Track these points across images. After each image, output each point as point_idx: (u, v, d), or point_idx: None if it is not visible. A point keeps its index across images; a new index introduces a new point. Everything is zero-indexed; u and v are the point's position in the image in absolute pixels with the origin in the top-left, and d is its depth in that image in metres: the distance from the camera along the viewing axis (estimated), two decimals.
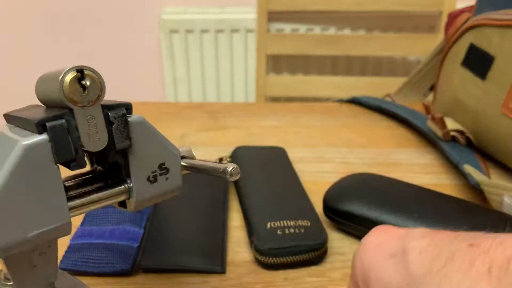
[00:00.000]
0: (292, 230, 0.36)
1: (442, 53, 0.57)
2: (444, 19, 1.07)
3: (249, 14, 1.20)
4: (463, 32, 0.51)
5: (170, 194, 0.25)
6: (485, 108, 0.47)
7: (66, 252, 0.35)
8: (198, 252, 0.35)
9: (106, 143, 0.21)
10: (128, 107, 0.22)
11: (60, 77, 0.19)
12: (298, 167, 0.49)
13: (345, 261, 0.36)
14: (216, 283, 0.34)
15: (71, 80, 0.19)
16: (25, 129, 0.21)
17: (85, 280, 0.33)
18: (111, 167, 0.24)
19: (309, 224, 0.36)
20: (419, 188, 0.39)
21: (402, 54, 1.19)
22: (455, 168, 0.50)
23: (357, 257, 0.22)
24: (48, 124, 0.19)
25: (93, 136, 0.20)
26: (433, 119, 0.52)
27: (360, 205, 0.37)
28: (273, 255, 0.34)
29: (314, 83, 1.19)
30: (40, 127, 0.19)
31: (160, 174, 0.24)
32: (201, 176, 0.44)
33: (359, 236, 0.38)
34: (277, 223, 0.36)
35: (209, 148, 0.55)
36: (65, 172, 0.21)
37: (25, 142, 0.19)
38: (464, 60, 0.50)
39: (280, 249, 0.34)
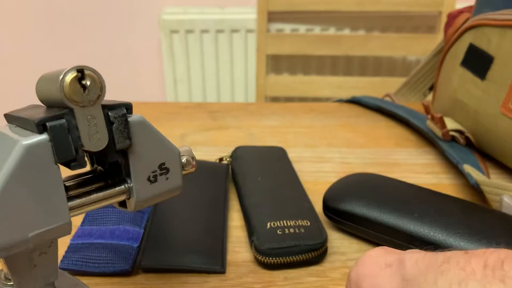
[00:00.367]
0: (292, 230, 0.36)
1: (441, 53, 0.57)
2: (444, 19, 1.08)
3: (249, 14, 1.21)
4: (462, 32, 0.51)
5: (170, 194, 0.25)
6: (484, 108, 0.47)
7: (66, 252, 0.35)
8: (198, 252, 0.35)
9: (106, 143, 0.21)
10: (128, 107, 0.22)
11: (61, 77, 0.19)
12: (298, 167, 0.49)
13: (345, 261, 0.36)
14: (216, 283, 0.34)
15: (71, 80, 0.19)
16: (25, 129, 0.21)
17: (85, 280, 0.33)
18: (111, 167, 0.24)
19: (309, 224, 0.36)
20: (418, 188, 0.39)
21: (401, 54, 1.19)
22: (455, 168, 0.50)
23: (353, 270, 0.22)
24: (48, 124, 0.19)
25: (94, 136, 0.21)
26: (433, 119, 0.52)
27: (359, 205, 0.37)
28: (273, 255, 0.34)
29: (314, 83, 1.19)
30: (41, 127, 0.19)
31: (160, 174, 0.24)
32: (201, 176, 0.44)
33: (358, 236, 0.38)
34: (277, 223, 0.36)
35: (209, 148, 0.55)
36: (65, 172, 0.21)
37: (25, 142, 0.19)
38: (463, 60, 0.51)
39: (280, 249, 0.34)
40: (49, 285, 0.24)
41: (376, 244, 0.37)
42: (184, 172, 0.25)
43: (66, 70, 0.19)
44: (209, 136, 0.58)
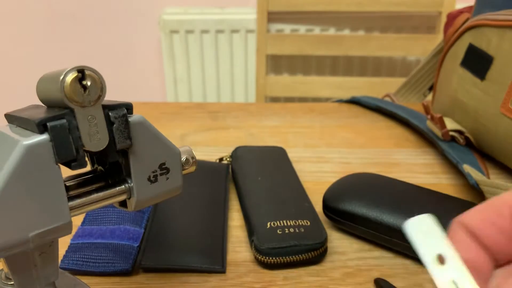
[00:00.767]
0: (292, 230, 0.36)
1: (441, 53, 0.57)
2: (443, 19, 1.08)
3: (249, 15, 1.21)
4: (462, 32, 0.51)
5: (170, 193, 0.25)
6: (484, 108, 0.47)
7: (67, 251, 0.35)
8: (198, 251, 0.35)
9: (106, 143, 0.21)
10: (128, 107, 0.22)
11: (61, 77, 0.19)
12: (298, 167, 0.49)
13: (344, 261, 0.36)
14: (216, 282, 0.34)
15: (72, 80, 0.19)
16: (26, 129, 0.21)
17: (85, 279, 0.33)
18: (111, 167, 0.24)
19: (308, 223, 0.36)
20: (418, 188, 0.39)
21: (401, 55, 1.19)
22: (454, 168, 0.50)
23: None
24: (49, 124, 0.19)
25: (94, 136, 0.21)
26: (433, 119, 0.52)
27: (359, 204, 0.37)
28: (273, 254, 0.34)
29: (314, 83, 1.19)
30: (41, 127, 0.19)
31: (161, 174, 0.24)
32: (201, 176, 0.44)
33: (358, 236, 0.38)
34: (277, 223, 0.36)
35: (209, 148, 0.55)
36: (65, 172, 0.21)
37: (26, 142, 0.19)
38: (463, 60, 0.51)
39: (280, 249, 0.34)
40: (50, 284, 0.24)
41: (376, 244, 0.37)
42: (184, 172, 0.25)
43: (66, 71, 0.19)
44: (209, 136, 0.58)
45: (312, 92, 1.19)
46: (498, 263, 0.20)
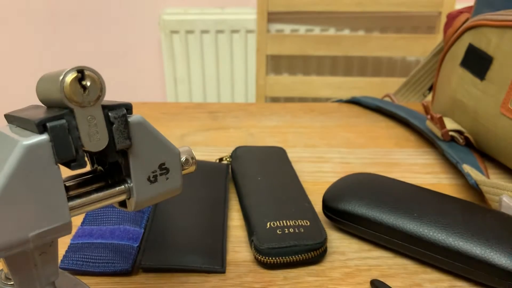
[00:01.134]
0: (291, 230, 0.36)
1: (441, 53, 0.58)
2: (443, 19, 1.08)
3: (249, 15, 1.21)
4: (462, 32, 0.51)
5: (170, 194, 0.25)
6: (484, 108, 0.47)
7: (67, 251, 0.35)
8: (198, 251, 0.35)
9: (106, 143, 0.21)
10: (128, 107, 0.22)
11: (61, 78, 0.19)
12: (297, 167, 0.49)
13: (344, 261, 0.36)
14: (216, 282, 0.34)
15: (71, 81, 0.19)
16: (25, 129, 0.21)
17: (85, 279, 0.33)
18: (111, 167, 0.24)
19: (308, 223, 0.37)
20: (418, 188, 0.39)
21: (401, 55, 1.19)
22: (454, 168, 0.50)
23: None
24: (48, 124, 0.19)
25: (94, 136, 0.21)
26: (432, 119, 0.52)
27: (359, 204, 0.37)
28: (272, 254, 0.34)
29: (314, 83, 1.19)
30: (41, 127, 0.19)
31: (160, 174, 0.24)
32: (201, 176, 0.44)
33: (358, 236, 0.38)
34: (277, 223, 0.36)
35: (209, 148, 0.55)
36: (65, 172, 0.21)
37: (25, 142, 0.19)
38: (463, 60, 0.51)
39: (279, 249, 0.34)
40: (50, 284, 0.24)
41: (375, 244, 0.37)
42: (184, 172, 0.25)
43: (66, 71, 0.19)
44: (209, 136, 0.58)
45: (312, 92, 1.19)
46: None
